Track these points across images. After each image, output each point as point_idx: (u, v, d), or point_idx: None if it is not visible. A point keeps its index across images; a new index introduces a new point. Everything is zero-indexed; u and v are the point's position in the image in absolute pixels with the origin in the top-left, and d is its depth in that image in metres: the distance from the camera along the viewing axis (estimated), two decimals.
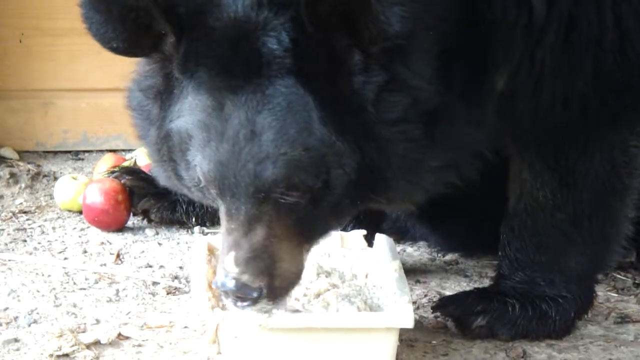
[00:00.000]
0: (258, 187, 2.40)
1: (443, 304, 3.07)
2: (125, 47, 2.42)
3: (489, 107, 2.65)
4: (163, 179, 2.68)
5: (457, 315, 3.02)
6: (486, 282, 3.30)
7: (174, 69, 2.45)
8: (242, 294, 2.46)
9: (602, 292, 3.24)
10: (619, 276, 3.40)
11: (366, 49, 2.36)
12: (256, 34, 2.35)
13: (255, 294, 2.47)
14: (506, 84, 2.68)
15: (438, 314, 3.06)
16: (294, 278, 2.57)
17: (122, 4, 2.35)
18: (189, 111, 2.44)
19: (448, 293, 3.24)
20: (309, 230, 2.54)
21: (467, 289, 3.24)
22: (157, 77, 2.52)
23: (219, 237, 2.79)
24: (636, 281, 3.38)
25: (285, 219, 2.47)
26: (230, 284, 2.45)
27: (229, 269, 2.46)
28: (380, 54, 2.37)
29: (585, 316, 3.09)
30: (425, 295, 3.25)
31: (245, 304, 2.49)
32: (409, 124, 2.44)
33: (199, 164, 2.45)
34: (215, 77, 2.39)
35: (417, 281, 3.35)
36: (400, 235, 3.48)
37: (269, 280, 2.48)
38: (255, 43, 2.35)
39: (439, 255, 3.53)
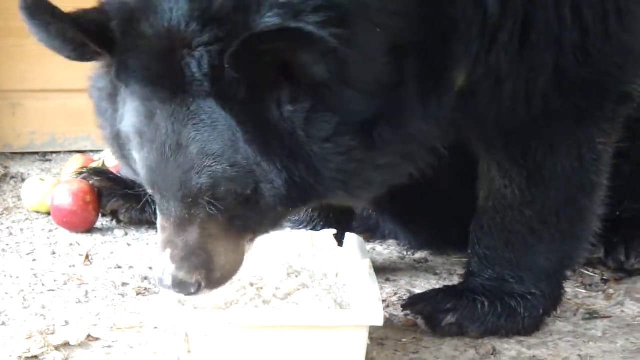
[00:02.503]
0: (185, 194, 2.47)
1: (413, 302, 3.08)
2: (75, 56, 2.49)
3: (446, 103, 2.65)
4: (125, 171, 2.79)
5: (427, 313, 3.02)
6: (455, 280, 3.31)
7: (113, 77, 2.51)
8: (179, 289, 2.54)
9: (570, 288, 3.25)
10: (587, 272, 3.42)
11: (296, 82, 2.39)
12: (181, 51, 2.38)
13: (192, 289, 2.54)
14: (466, 81, 2.68)
15: (408, 312, 3.07)
16: (234, 267, 2.62)
17: (56, 25, 2.42)
18: (128, 116, 2.50)
19: (418, 291, 3.25)
20: (246, 227, 2.58)
21: (437, 286, 3.25)
22: (106, 80, 2.58)
23: None
24: (604, 277, 3.41)
25: (218, 219, 2.52)
26: (168, 281, 2.52)
27: (166, 266, 2.52)
28: (307, 86, 2.40)
29: (554, 312, 3.10)
30: (395, 294, 3.26)
31: (186, 295, 2.56)
32: (341, 137, 2.47)
33: (137, 163, 2.53)
34: (145, 87, 2.44)
35: (387, 279, 3.36)
36: (370, 233, 3.49)
37: (207, 273, 2.54)
38: (179, 61, 2.38)
39: (409, 253, 3.54)
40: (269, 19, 2.33)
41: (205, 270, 2.53)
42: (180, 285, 2.53)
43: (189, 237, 2.52)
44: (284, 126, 2.42)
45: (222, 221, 2.52)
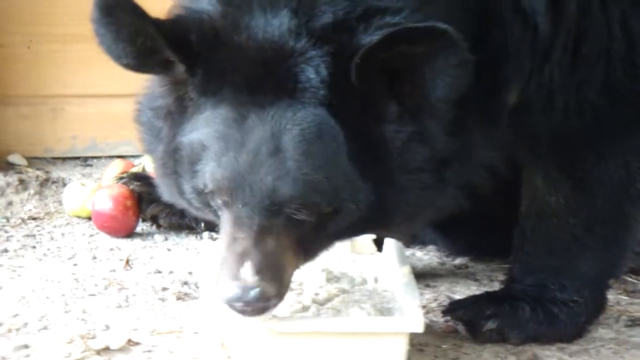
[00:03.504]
0: (274, 201, 2.42)
1: (453, 308, 3.08)
2: (136, 65, 2.45)
3: (502, 124, 2.69)
4: (166, 194, 2.69)
5: (467, 319, 3.03)
6: (496, 286, 3.31)
7: (190, 91, 2.48)
8: (263, 303, 2.46)
9: (612, 295, 3.24)
10: (629, 279, 3.41)
11: (403, 101, 2.41)
12: (294, 59, 2.38)
13: (273, 303, 2.47)
14: (518, 98, 2.71)
15: (448, 318, 3.07)
16: (290, 283, 2.58)
17: (131, 26, 2.38)
18: (205, 124, 2.46)
19: (458, 297, 3.25)
20: (309, 247, 2.57)
21: (477, 292, 3.25)
22: (169, 98, 2.55)
23: None
24: None
25: (292, 234, 2.48)
26: (253, 293, 2.44)
27: (248, 278, 2.44)
28: (414, 106, 2.42)
29: (597, 320, 3.09)
30: (435, 300, 3.26)
31: (256, 313, 2.48)
32: (425, 172, 2.50)
33: (212, 172, 2.46)
34: (241, 92, 2.42)
35: (427, 285, 3.36)
36: (409, 239, 3.49)
37: (280, 286, 2.49)
38: (292, 67, 2.38)
39: (449, 259, 3.55)
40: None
41: (280, 284, 2.48)
42: (264, 298, 2.44)
43: (267, 248, 2.46)
44: (383, 146, 2.44)
45: (293, 238, 2.48)
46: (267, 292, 2.45)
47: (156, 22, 2.39)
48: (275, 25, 2.40)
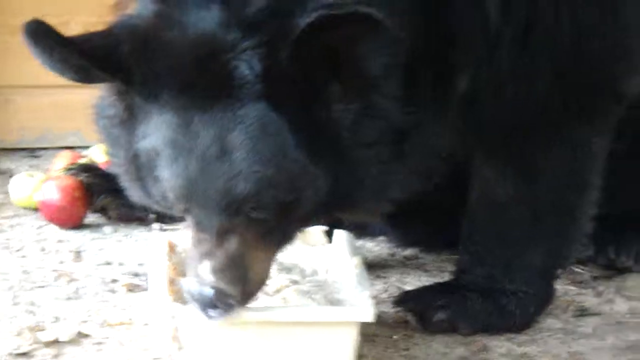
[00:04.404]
0: (229, 202, 2.44)
1: (404, 299, 3.12)
2: (79, 79, 2.47)
3: (451, 112, 2.73)
4: (135, 197, 2.70)
5: (418, 310, 3.06)
6: (446, 277, 3.33)
7: (133, 98, 2.49)
8: (220, 301, 2.50)
9: (560, 285, 3.27)
10: (577, 269, 3.45)
11: (345, 80, 2.42)
12: (226, 55, 2.38)
13: (233, 301, 2.51)
14: (468, 87, 2.74)
15: (399, 308, 3.10)
16: (262, 283, 2.64)
17: (60, 50, 2.40)
18: (155, 130, 2.47)
19: (408, 288, 3.28)
20: (277, 239, 2.60)
21: (428, 283, 3.28)
22: (119, 107, 2.56)
23: (179, 233, 2.83)
24: (594, 275, 3.45)
25: (256, 230, 2.52)
26: (208, 292, 2.49)
27: (206, 278, 2.50)
28: (357, 84, 2.44)
29: (545, 310, 3.14)
30: (386, 291, 3.29)
31: (218, 312, 2.53)
32: (382, 145, 2.52)
33: (167, 180, 2.48)
34: (180, 95, 2.42)
35: (378, 276, 3.38)
36: (359, 230, 3.47)
37: (243, 287, 2.53)
38: (225, 64, 2.38)
39: (399, 250, 3.56)
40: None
41: (242, 284, 2.52)
42: (221, 297, 2.49)
43: (229, 248, 2.50)
44: (331, 127, 2.45)
45: (260, 231, 2.51)
46: (224, 292, 2.49)
47: (82, 43, 2.42)
48: (206, 18, 2.40)
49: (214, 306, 2.51)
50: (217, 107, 2.40)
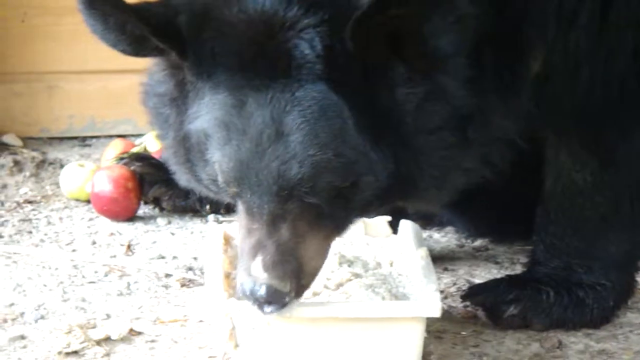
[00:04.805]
0: (282, 186, 2.42)
1: (473, 293, 3.09)
2: (132, 51, 2.46)
3: (523, 94, 2.67)
4: (183, 180, 2.70)
5: (488, 304, 3.04)
6: (518, 269, 3.30)
7: (186, 74, 2.48)
8: (274, 299, 2.48)
9: None
10: None
11: (410, 62, 2.39)
12: (285, 33, 2.36)
13: (286, 299, 2.49)
14: (542, 67, 2.69)
15: (467, 303, 3.09)
16: (317, 272, 2.60)
17: (117, 16, 2.38)
18: (207, 111, 2.46)
19: (478, 281, 3.26)
20: (334, 225, 2.56)
21: (498, 276, 3.25)
22: (169, 84, 2.55)
23: (235, 225, 2.81)
24: None
25: (310, 216, 2.48)
26: (262, 290, 2.46)
27: (258, 275, 2.47)
28: (423, 66, 2.40)
29: (625, 304, 3.10)
30: (454, 284, 3.26)
31: (272, 308, 2.50)
32: (446, 131, 2.48)
33: (219, 162, 2.47)
34: (236, 75, 2.41)
35: (445, 269, 3.36)
36: (426, 220, 3.48)
37: (297, 281, 2.50)
38: (284, 43, 2.36)
39: (468, 241, 3.54)
40: None
41: (295, 279, 2.49)
42: (275, 295, 2.47)
43: (281, 239, 2.47)
44: (394, 112, 2.42)
45: (313, 218, 2.49)
46: (277, 289, 2.46)
47: (140, 10, 2.39)
48: None
49: (267, 303, 2.48)
50: (274, 88, 2.38)
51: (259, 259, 2.47)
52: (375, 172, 2.45)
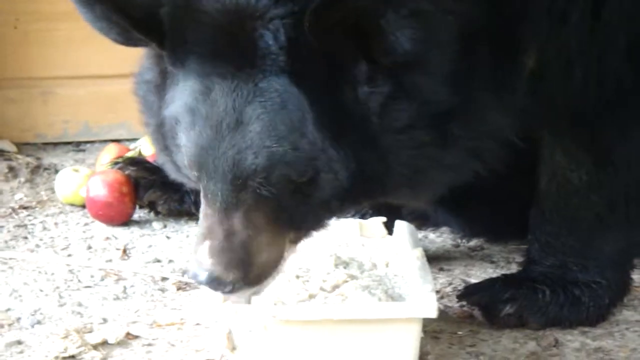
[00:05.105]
0: (236, 175, 2.44)
1: (469, 292, 3.09)
2: (122, 40, 2.50)
3: (519, 90, 2.67)
4: (168, 169, 2.73)
5: (484, 304, 3.03)
6: (514, 268, 3.30)
7: (166, 63, 2.51)
8: (214, 287, 2.50)
9: (637, 275, 3.22)
10: None
11: (373, 60, 2.38)
12: (253, 23, 2.37)
13: (227, 288, 2.50)
14: (536, 65, 2.69)
15: (464, 302, 3.08)
16: (273, 267, 2.58)
17: (101, 6, 2.42)
18: (179, 97, 2.49)
19: (474, 281, 3.25)
20: (292, 221, 2.55)
21: (494, 275, 3.24)
22: (154, 71, 2.59)
23: None
24: None
25: (265, 208, 2.49)
26: (203, 276, 2.49)
27: (202, 260, 2.49)
28: (387, 64, 2.38)
29: (621, 302, 3.09)
30: (450, 284, 3.26)
31: (223, 293, 2.54)
32: (418, 129, 2.46)
33: (184, 146, 2.50)
34: (205, 62, 2.43)
35: (441, 269, 3.36)
36: (421, 221, 3.47)
37: (244, 271, 2.50)
38: (251, 33, 2.37)
39: (463, 241, 3.54)
40: None
41: (243, 268, 2.50)
42: (214, 283, 2.49)
43: (232, 227, 2.48)
44: (358, 110, 2.41)
45: (268, 210, 2.49)
46: (218, 277, 2.48)
47: (121, 1, 2.42)
48: None
49: (213, 289, 2.51)
50: (238, 77, 2.40)
51: (206, 243, 2.49)
52: (335, 170, 2.44)
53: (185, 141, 2.49)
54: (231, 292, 2.51)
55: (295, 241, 2.61)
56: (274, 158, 2.41)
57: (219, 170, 2.45)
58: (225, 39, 2.39)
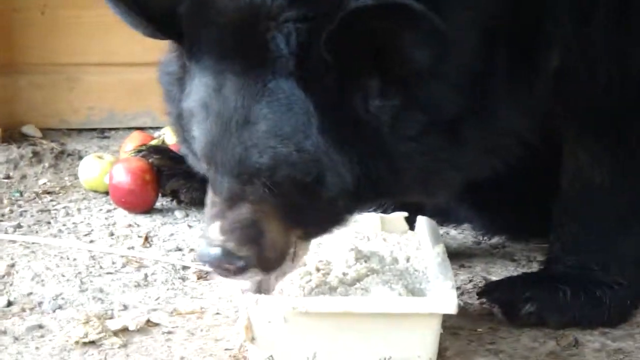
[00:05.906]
0: (241, 170, 2.48)
1: (489, 290, 3.08)
2: (150, 34, 2.55)
3: (540, 88, 2.66)
4: (190, 160, 2.76)
5: (504, 302, 3.02)
6: (535, 267, 3.30)
7: (184, 56, 2.56)
8: (227, 262, 2.52)
9: None
10: None
11: (385, 74, 2.39)
12: (266, 23, 2.39)
13: (241, 263, 2.52)
14: (559, 63, 2.68)
15: (484, 300, 3.07)
16: (284, 252, 2.60)
17: (124, 3, 2.48)
18: (195, 91, 2.53)
19: (494, 278, 3.25)
20: (298, 219, 2.58)
21: (515, 273, 3.24)
22: (176, 64, 2.63)
23: None
24: None
25: (271, 201, 2.52)
26: (215, 251, 2.52)
27: (213, 237, 2.52)
28: (399, 79, 2.40)
29: None
30: (470, 281, 3.26)
31: (231, 274, 2.55)
32: (430, 136, 2.47)
33: (197, 139, 2.55)
34: (219, 60, 2.47)
35: (462, 266, 3.36)
36: (443, 217, 3.46)
37: (257, 249, 2.53)
38: (264, 34, 2.39)
39: (485, 238, 3.53)
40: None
41: (256, 246, 2.53)
42: (228, 257, 2.51)
43: (239, 212, 2.52)
44: (368, 121, 2.43)
45: (274, 204, 2.52)
46: (231, 251, 2.51)
47: (140, 1, 2.48)
48: None
49: (224, 267, 2.53)
50: (249, 76, 2.44)
51: (217, 223, 2.53)
52: (339, 173, 2.46)
53: (198, 134, 2.54)
54: (243, 269, 2.53)
55: (305, 238, 2.63)
56: (278, 158, 2.44)
57: (226, 165, 2.49)
58: (238, 38, 2.43)
